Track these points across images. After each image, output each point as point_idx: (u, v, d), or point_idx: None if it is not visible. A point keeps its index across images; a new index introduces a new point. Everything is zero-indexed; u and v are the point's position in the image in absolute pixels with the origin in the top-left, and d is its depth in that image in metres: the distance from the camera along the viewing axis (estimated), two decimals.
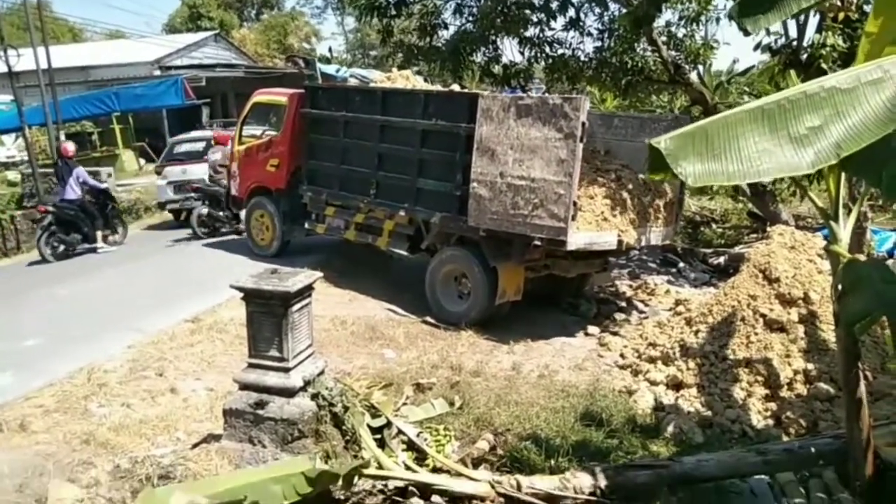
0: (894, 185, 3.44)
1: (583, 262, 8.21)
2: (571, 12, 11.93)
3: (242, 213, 11.89)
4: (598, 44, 12.32)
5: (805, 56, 9.34)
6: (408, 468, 4.40)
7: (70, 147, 12.38)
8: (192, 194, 13.35)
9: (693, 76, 11.83)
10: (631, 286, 9.99)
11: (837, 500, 4.17)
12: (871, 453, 4.04)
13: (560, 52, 12.51)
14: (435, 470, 4.45)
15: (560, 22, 12.08)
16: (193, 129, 23.48)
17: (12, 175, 17.57)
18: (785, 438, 5.31)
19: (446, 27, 12.93)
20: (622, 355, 7.23)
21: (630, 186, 7.89)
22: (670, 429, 5.48)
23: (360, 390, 5.30)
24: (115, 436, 4.99)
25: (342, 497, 4.09)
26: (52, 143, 15.40)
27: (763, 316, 6.32)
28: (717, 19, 11.19)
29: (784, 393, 5.84)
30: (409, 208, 8.56)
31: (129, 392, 5.96)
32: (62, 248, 11.41)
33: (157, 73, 25.84)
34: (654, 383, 6.44)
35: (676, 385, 6.34)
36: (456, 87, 10.41)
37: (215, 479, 3.83)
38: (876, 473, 4.04)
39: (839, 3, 8.54)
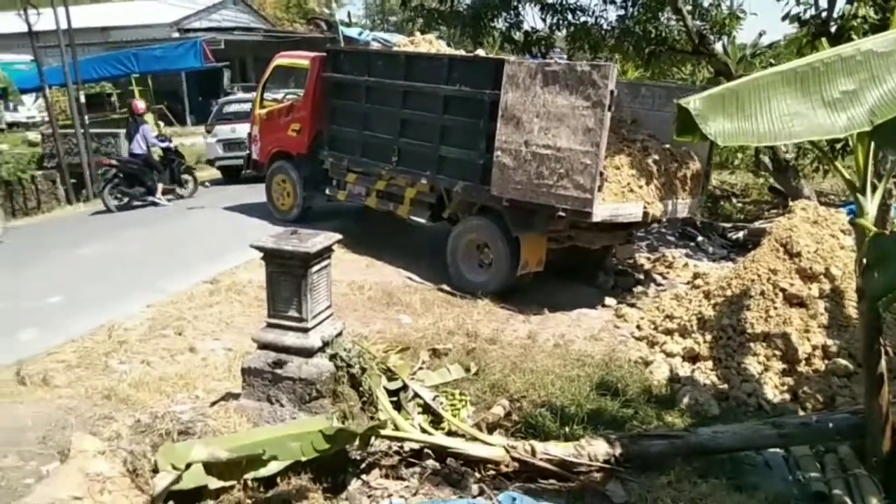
0: None
1: (607, 234, 8.09)
2: None
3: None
4: (622, 12, 12.14)
5: (835, 28, 9.13)
6: (423, 431, 4.43)
7: (140, 105, 13.14)
8: (241, 152, 13.55)
9: (718, 47, 11.62)
10: (649, 259, 9.93)
11: (853, 474, 4.15)
12: (889, 429, 4.02)
13: (582, 19, 12.35)
14: (450, 433, 4.48)
15: None
16: (213, 93, 23.50)
17: (33, 135, 17.66)
18: (801, 413, 5.29)
19: None
20: (639, 327, 7.21)
21: (656, 157, 7.76)
22: (686, 400, 5.47)
23: (377, 354, 5.32)
24: (135, 392, 5.05)
25: (358, 457, 4.13)
26: (71, 103, 15.41)
27: (783, 290, 6.27)
28: None
29: (802, 368, 5.81)
30: (431, 176, 8.45)
31: (148, 350, 6.04)
32: (126, 199, 12.26)
33: (176, 35, 25.73)
34: (670, 355, 6.43)
35: (693, 357, 6.32)
36: (481, 52, 10.20)
37: (234, 435, 3.88)
38: (893, 449, 4.02)
39: None
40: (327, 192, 10.21)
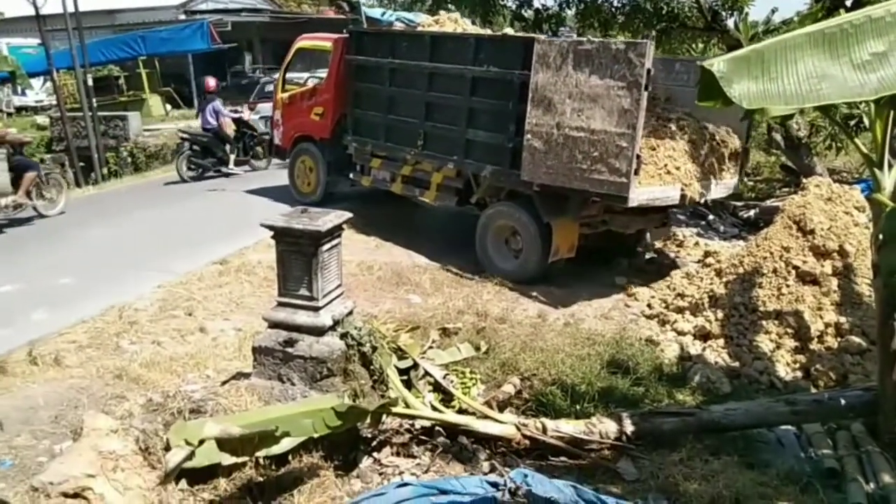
0: None
1: (642, 217, 7.87)
2: None
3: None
4: None
5: (851, 2, 8.98)
6: (434, 409, 4.43)
7: (211, 82, 13.75)
8: None
9: (730, 23, 11.47)
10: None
11: (866, 451, 4.13)
12: None
13: None
14: (461, 411, 4.48)
15: None
16: (220, 75, 23.37)
17: (41, 119, 17.70)
18: (814, 391, 5.26)
19: None
20: (649, 305, 7.18)
21: (693, 136, 7.50)
22: (697, 378, 5.45)
23: (387, 333, 5.31)
24: (146, 371, 5.07)
25: (369, 435, 4.14)
26: (79, 86, 15.42)
27: (796, 268, 6.22)
28: None
29: (814, 346, 5.78)
30: (458, 161, 8.20)
31: (159, 330, 6.06)
32: (199, 170, 13.13)
33: (183, 17, 25.62)
34: (681, 333, 6.40)
35: (704, 335, 6.29)
36: (510, 31, 9.95)
37: (246, 413, 3.88)
38: None
39: None
40: (351, 177, 9.98)
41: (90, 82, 15.53)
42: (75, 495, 3.13)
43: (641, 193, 6.74)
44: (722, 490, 3.68)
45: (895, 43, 2.93)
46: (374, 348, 4.49)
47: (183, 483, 3.45)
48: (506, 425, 4.20)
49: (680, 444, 4.19)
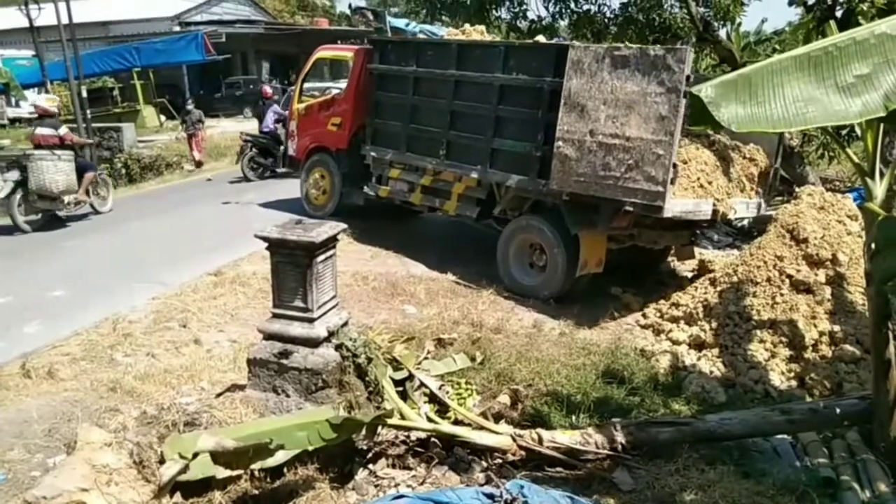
0: None
1: (671, 233, 7.71)
2: None
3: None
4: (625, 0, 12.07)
5: (841, 12, 9.07)
6: (430, 420, 4.41)
7: (268, 89, 15.64)
8: None
9: (722, 34, 11.56)
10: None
11: (861, 460, 4.13)
12: None
13: (585, 7, 12.29)
14: (457, 422, 4.46)
15: None
16: (214, 86, 23.43)
17: None
18: (809, 399, 5.27)
19: None
20: (644, 315, 7.19)
21: (724, 152, 7.41)
22: (692, 388, 5.45)
23: (383, 344, 5.30)
24: (140, 384, 5.05)
25: (365, 447, 4.12)
26: (73, 98, 15.40)
27: (789, 277, 6.24)
28: None
29: (809, 354, 5.78)
30: (482, 170, 8.05)
31: (153, 342, 6.04)
32: (260, 169, 14.40)
33: (177, 28, 25.70)
34: (676, 343, 6.40)
35: (699, 345, 6.30)
36: (542, 39, 9.92)
37: (240, 426, 3.88)
38: None
39: None
40: (366, 189, 9.80)
41: (84, 94, 15.51)
42: None
43: (675, 205, 6.60)
44: (718, 500, 3.68)
45: (879, 65, 2.96)
46: (370, 359, 4.48)
47: (177, 496, 3.44)
48: (502, 436, 4.19)
49: (676, 453, 4.18)
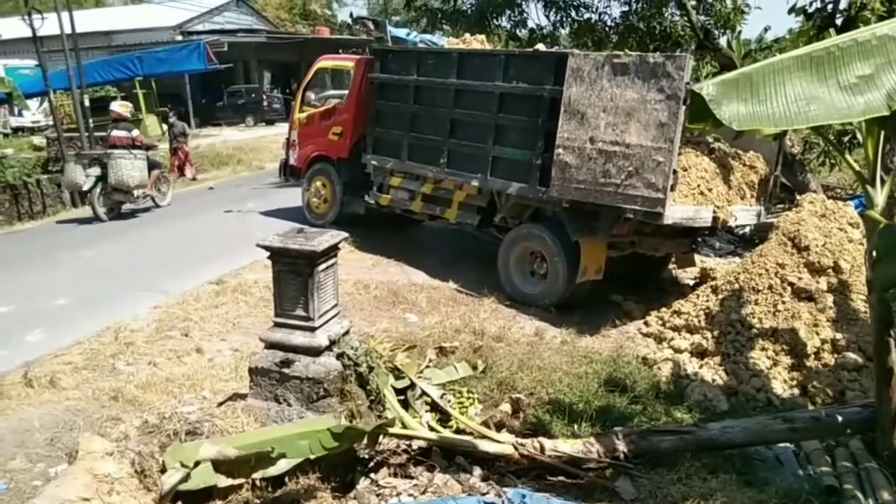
0: None
1: (671, 241, 7.76)
2: None
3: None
4: (626, 8, 12.12)
5: (841, 20, 9.09)
6: (431, 429, 4.41)
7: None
8: None
9: (723, 42, 11.58)
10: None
11: (864, 468, 4.12)
12: None
13: (586, 16, 12.33)
14: (458, 431, 4.46)
15: None
16: (216, 95, 23.50)
17: (38, 139, 17.70)
18: (811, 408, 5.26)
19: None
20: (646, 323, 7.18)
21: (723, 159, 7.44)
22: (694, 396, 5.45)
23: (384, 352, 5.30)
24: (142, 393, 5.05)
25: (366, 456, 4.12)
26: (76, 107, 15.43)
27: (791, 284, 6.23)
28: None
29: (811, 362, 5.77)
30: (482, 178, 8.08)
31: (155, 351, 6.04)
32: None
33: (179, 38, 25.80)
34: (677, 351, 6.40)
35: (701, 353, 6.29)
36: (541, 47, 10.00)
37: (242, 435, 3.87)
38: None
39: None
40: (366, 198, 9.85)
41: (87, 103, 15.54)
42: None
43: (676, 211, 6.64)
44: None
45: (881, 66, 2.98)
46: (371, 368, 4.48)
47: None
48: (503, 445, 4.19)
49: (678, 462, 4.18)
